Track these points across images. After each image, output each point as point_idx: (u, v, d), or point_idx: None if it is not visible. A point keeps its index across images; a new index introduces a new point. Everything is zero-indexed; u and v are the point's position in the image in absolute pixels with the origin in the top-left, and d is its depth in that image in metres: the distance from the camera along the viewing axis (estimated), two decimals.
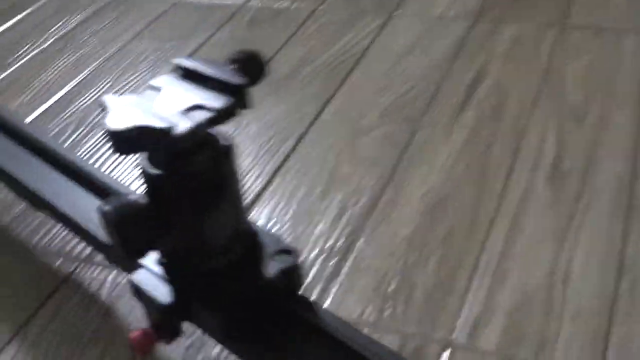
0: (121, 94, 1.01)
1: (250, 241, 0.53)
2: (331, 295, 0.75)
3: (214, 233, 0.51)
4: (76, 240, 0.81)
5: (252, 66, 0.49)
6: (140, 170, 0.50)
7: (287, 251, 0.53)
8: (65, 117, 1.07)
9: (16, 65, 1.22)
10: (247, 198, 0.88)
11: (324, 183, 0.89)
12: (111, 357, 0.69)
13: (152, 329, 0.52)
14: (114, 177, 0.68)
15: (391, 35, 1.17)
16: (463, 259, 0.77)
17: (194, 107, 0.47)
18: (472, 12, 1.20)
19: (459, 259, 0.77)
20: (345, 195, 0.87)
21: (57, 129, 1.04)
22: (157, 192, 0.49)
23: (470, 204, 0.83)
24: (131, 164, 0.95)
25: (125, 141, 0.45)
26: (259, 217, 0.85)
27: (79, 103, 1.10)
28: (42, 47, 1.26)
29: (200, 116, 0.47)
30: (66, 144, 1.00)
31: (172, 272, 0.52)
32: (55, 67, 1.20)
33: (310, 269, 0.78)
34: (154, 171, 0.49)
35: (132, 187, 0.84)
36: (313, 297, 0.74)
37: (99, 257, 0.79)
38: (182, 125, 0.46)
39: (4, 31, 1.33)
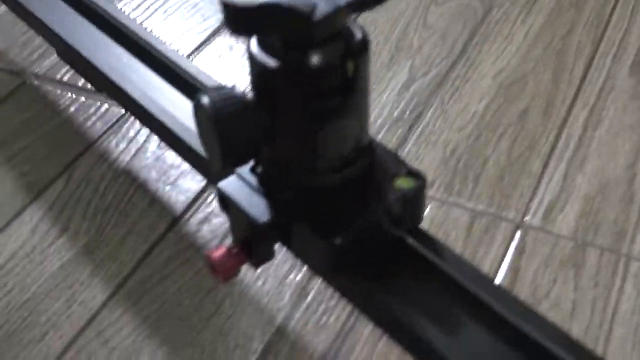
0: None
1: (369, 159, 0.44)
2: None
3: (331, 145, 0.41)
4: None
5: None
6: (249, 59, 0.40)
7: (412, 175, 0.43)
8: None
9: None
10: None
11: (391, 50, 0.84)
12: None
13: (240, 249, 0.43)
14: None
15: None
16: (539, 141, 0.72)
17: None
18: None
19: (534, 140, 0.72)
20: (414, 66, 0.82)
21: None
22: (268, 88, 0.40)
23: (547, 88, 0.78)
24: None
25: (251, 19, 0.36)
26: None
27: None
28: None
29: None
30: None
31: (272, 185, 0.43)
32: None
33: (376, 136, 0.73)
34: (269, 61, 0.39)
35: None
36: None
37: None
38: (324, 6, 0.36)
39: None
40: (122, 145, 0.73)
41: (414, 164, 0.70)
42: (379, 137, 0.73)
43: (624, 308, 0.58)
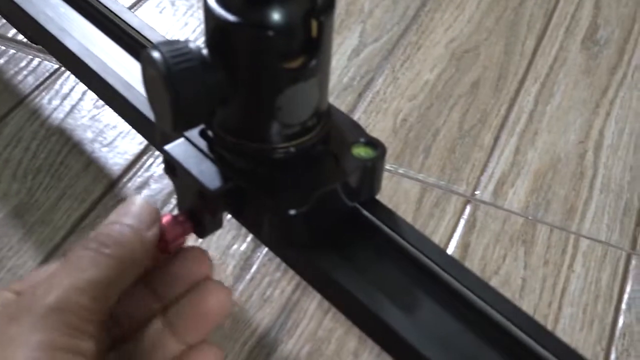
0: None
1: (327, 127, 0.40)
2: None
3: (291, 110, 0.38)
4: None
5: None
6: (205, 11, 0.37)
7: (371, 143, 0.41)
8: None
9: None
10: None
11: (340, 14, 0.81)
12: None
13: (186, 217, 0.39)
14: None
15: None
16: (490, 113, 0.71)
17: None
18: None
19: (485, 112, 0.71)
20: (364, 30, 0.79)
21: None
22: (226, 45, 0.36)
23: (499, 59, 0.77)
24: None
25: None
26: None
27: None
28: None
29: None
30: None
31: (224, 150, 0.40)
32: None
33: None
34: (227, 16, 0.36)
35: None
36: None
37: None
38: None
39: None
40: (56, 102, 0.69)
41: None
42: None
43: (573, 287, 0.58)
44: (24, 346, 0.27)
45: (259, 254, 0.58)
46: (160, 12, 0.80)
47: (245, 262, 0.57)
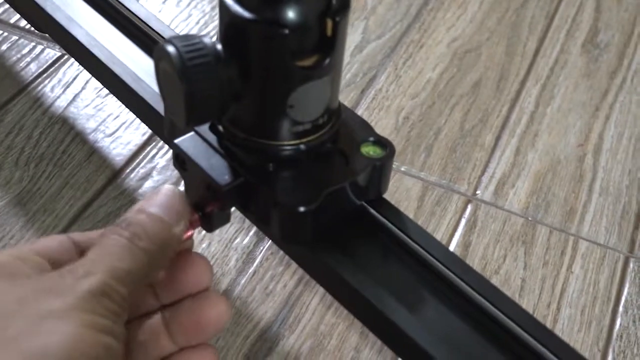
0: None
1: (337, 125, 0.40)
2: None
3: (303, 108, 0.38)
4: None
5: None
6: (221, 7, 0.37)
7: (380, 143, 0.41)
8: None
9: None
10: None
11: None
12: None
13: (194, 211, 0.39)
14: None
15: None
16: (491, 114, 0.71)
17: None
18: None
19: (487, 113, 0.71)
20: (368, 27, 0.79)
21: None
22: (240, 42, 0.36)
23: (501, 60, 0.77)
24: None
25: None
26: None
27: None
28: None
29: None
30: None
31: (234, 146, 0.40)
32: None
33: None
34: (243, 13, 0.36)
35: None
36: None
37: None
38: None
39: None
40: (58, 91, 0.69)
41: None
42: None
43: (572, 288, 0.58)
44: (71, 322, 0.28)
45: (261, 247, 0.58)
46: (164, 2, 0.80)
47: (248, 255, 0.57)
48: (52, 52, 0.72)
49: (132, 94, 0.52)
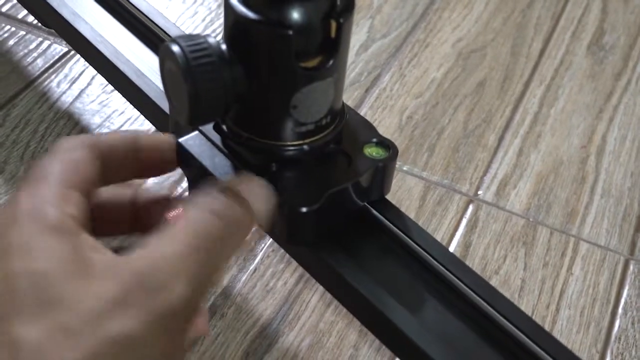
0: None
1: (340, 126, 0.41)
2: None
3: (306, 108, 0.38)
4: None
5: None
6: (226, 8, 0.37)
7: (383, 144, 0.41)
8: None
9: None
10: None
11: None
12: None
13: None
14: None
15: None
16: (495, 114, 0.71)
17: None
18: None
19: (490, 113, 0.72)
20: (373, 26, 0.80)
21: None
22: (245, 42, 0.37)
23: (505, 60, 0.77)
24: None
25: None
26: None
27: None
28: None
29: None
30: None
31: (238, 146, 0.40)
32: None
33: None
34: (248, 13, 0.36)
35: None
36: None
37: None
38: None
39: None
40: (64, 86, 0.69)
41: None
42: None
43: (572, 290, 0.58)
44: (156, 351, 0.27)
45: (262, 244, 0.58)
46: None
47: (249, 252, 0.58)
48: (59, 48, 0.73)
49: (136, 90, 0.52)
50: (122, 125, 0.66)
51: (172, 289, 0.28)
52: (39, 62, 0.71)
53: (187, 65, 0.35)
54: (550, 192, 0.65)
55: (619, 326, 0.56)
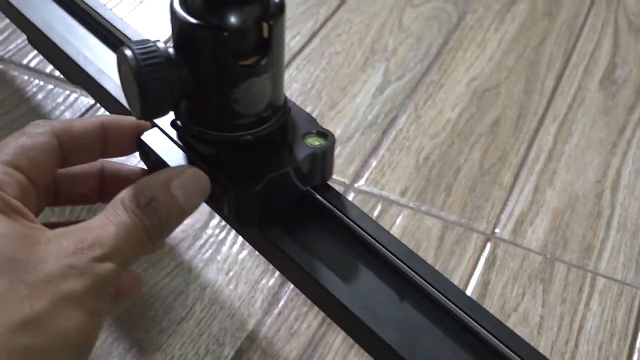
0: None
1: (284, 118, 0.46)
2: (370, 169, 0.71)
3: (246, 103, 0.44)
4: None
5: None
6: (171, 14, 0.43)
7: (322, 134, 0.46)
8: None
9: None
10: None
11: (365, 52, 0.84)
12: None
13: None
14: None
15: None
16: (510, 152, 0.73)
17: None
18: None
19: (505, 151, 0.73)
20: (388, 68, 0.82)
21: None
22: (189, 45, 0.42)
23: (519, 98, 0.79)
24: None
25: None
26: (294, 80, 0.80)
27: None
28: None
29: None
30: None
31: (190, 139, 0.45)
32: None
33: (349, 140, 0.73)
34: (189, 19, 0.41)
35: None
36: (351, 170, 0.70)
37: None
38: None
39: None
40: None
41: (387, 170, 0.71)
42: (353, 141, 0.73)
43: (590, 325, 0.59)
44: (84, 308, 0.33)
45: (286, 288, 0.60)
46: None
47: (274, 296, 0.60)
48: (86, 100, 0.75)
49: None
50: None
51: (106, 259, 0.34)
52: (67, 114, 0.74)
53: (137, 66, 0.40)
54: (566, 228, 0.66)
55: None
